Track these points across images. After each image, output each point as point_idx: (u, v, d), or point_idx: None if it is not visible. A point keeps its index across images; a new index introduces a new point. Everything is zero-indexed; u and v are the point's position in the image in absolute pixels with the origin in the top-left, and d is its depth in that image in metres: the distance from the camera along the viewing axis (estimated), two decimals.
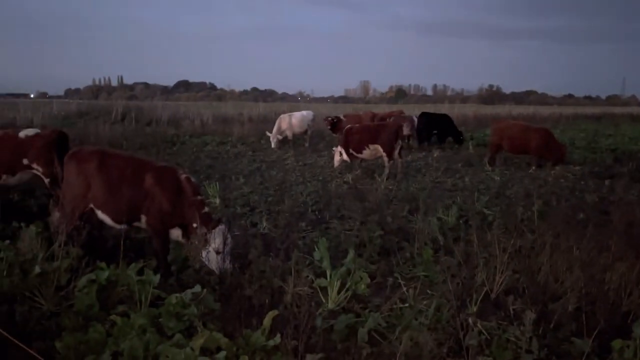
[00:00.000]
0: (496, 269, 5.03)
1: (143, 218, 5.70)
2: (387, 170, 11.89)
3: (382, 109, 29.72)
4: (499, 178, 12.04)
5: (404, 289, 4.91)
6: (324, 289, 4.92)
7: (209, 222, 5.50)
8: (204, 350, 3.30)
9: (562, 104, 79.48)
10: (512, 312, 4.46)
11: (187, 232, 5.63)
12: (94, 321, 3.87)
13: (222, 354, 3.15)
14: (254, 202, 9.34)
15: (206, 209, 5.67)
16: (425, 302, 4.57)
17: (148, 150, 16.08)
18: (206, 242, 5.37)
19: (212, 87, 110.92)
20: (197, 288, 4.29)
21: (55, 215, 5.87)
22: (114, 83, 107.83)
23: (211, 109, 32.97)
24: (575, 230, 6.15)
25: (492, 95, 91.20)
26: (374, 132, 12.33)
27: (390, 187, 10.40)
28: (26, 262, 4.63)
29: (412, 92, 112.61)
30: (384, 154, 12.04)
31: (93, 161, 5.83)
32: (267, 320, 3.63)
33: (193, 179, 5.89)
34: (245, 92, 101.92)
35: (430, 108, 30.47)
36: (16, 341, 3.03)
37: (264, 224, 7.65)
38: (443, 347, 3.82)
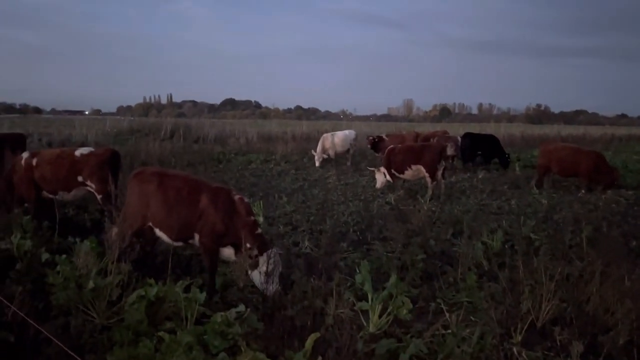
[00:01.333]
0: (542, 297, 4.90)
1: (196, 236, 5.88)
2: (430, 192, 11.79)
3: (426, 128, 29.52)
4: (546, 201, 11.69)
5: (447, 315, 4.85)
6: (365, 312, 4.92)
7: (261, 243, 5.64)
8: None
9: (614, 124, 76.58)
10: (558, 343, 4.34)
11: (239, 251, 5.73)
12: (142, 336, 4.02)
13: None
14: (297, 221, 9.44)
15: (259, 230, 5.81)
16: (468, 330, 4.50)
17: (196, 167, 16.54)
18: (257, 264, 5.47)
19: (257, 105, 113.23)
20: (241, 307, 4.39)
21: (113, 231, 6.15)
22: (164, 101, 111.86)
23: (256, 127, 33.64)
24: (627, 258, 5.93)
25: (539, 115, 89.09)
26: (417, 152, 12.28)
27: (434, 209, 10.29)
28: (81, 277, 4.87)
29: (456, 110, 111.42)
30: (426, 175, 11.96)
31: (153, 181, 6.12)
32: (309, 343, 3.68)
33: (246, 200, 6.06)
34: (289, 110, 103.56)
35: (475, 128, 30.07)
36: (72, 353, 3.19)
37: (306, 243, 7.73)
38: None
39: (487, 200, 11.98)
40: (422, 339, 4.35)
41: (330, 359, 3.65)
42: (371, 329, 4.69)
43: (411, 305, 4.76)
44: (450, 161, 17.11)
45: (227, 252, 5.86)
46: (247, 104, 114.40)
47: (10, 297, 4.50)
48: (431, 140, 17.69)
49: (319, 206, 10.87)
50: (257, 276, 5.48)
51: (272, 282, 5.39)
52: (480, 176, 15.55)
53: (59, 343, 3.28)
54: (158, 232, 6.11)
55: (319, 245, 7.64)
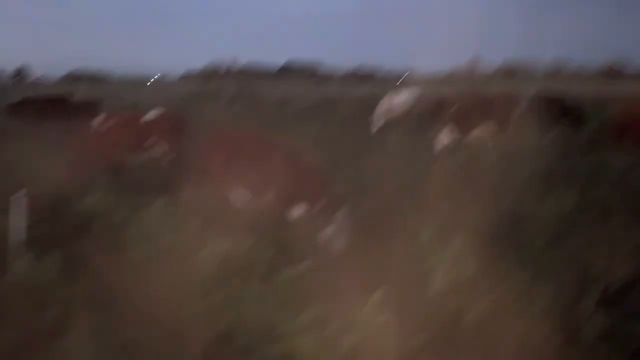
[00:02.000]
0: (621, 258, 4.68)
1: (267, 195, 5.99)
2: (502, 149, 11.35)
3: (494, 88, 28.17)
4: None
5: (515, 275, 4.74)
6: (430, 270, 4.88)
7: (330, 202, 5.70)
8: (315, 321, 3.46)
9: None
10: (632, 307, 4.15)
11: (311, 210, 5.79)
12: (215, 289, 4.18)
13: (334, 325, 3.28)
14: None
15: (328, 190, 5.92)
16: (541, 288, 4.38)
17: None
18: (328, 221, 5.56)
19: (317, 67, 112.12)
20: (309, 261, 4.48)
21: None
22: (227, 66, 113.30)
23: (316, 90, 33.46)
24: None
25: None
26: (485, 110, 11.79)
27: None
28: (157, 232, 5.15)
29: (527, 70, 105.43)
30: (498, 133, 11.49)
31: (225, 142, 6.36)
32: (375, 297, 3.70)
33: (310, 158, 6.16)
34: (349, 71, 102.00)
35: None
36: (155, 305, 3.36)
37: None
38: (558, 335, 3.67)
39: None
40: (489, 297, 4.27)
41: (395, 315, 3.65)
42: (436, 287, 4.66)
43: (478, 264, 4.68)
44: (522, 120, 16.32)
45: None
46: (307, 67, 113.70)
47: None
48: (501, 100, 16.91)
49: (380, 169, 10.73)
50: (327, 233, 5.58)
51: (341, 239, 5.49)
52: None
53: (140, 294, 3.46)
54: (232, 190, 6.27)
55: None
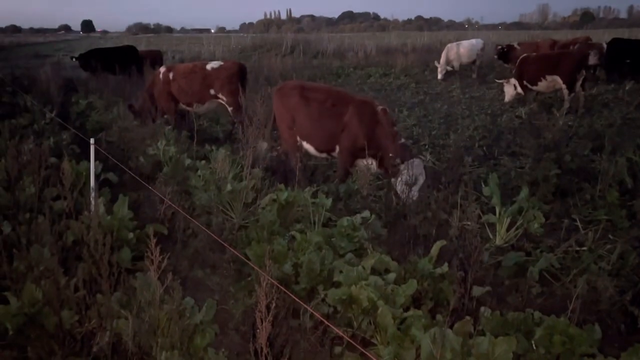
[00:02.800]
0: None
1: (337, 148, 6.09)
2: (566, 104, 10.78)
3: (564, 36, 26.49)
4: None
5: (582, 231, 4.57)
6: (491, 226, 4.81)
7: (404, 153, 5.67)
8: (373, 270, 3.51)
9: None
10: None
11: (382, 162, 5.85)
12: (276, 235, 4.33)
13: (392, 275, 3.32)
14: (418, 134, 9.26)
15: (402, 140, 5.86)
16: (607, 247, 4.21)
17: (315, 82, 16.69)
18: (398, 172, 5.55)
19: (376, 17, 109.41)
20: (366, 213, 4.51)
21: (262, 145, 6.56)
22: (283, 16, 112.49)
23: (374, 39, 32.67)
24: None
25: None
26: (554, 61, 11.14)
27: (570, 123, 9.45)
28: (219, 180, 5.30)
29: (601, 15, 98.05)
30: (564, 86, 10.89)
31: (295, 94, 6.30)
32: (434, 249, 3.70)
33: (389, 110, 6.08)
34: (409, 21, 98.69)
35: (623, 34, 26.35)
36: (222, 242, 3.52)
37: (428, 157, 7.59)
38: (625, 295, 3.54)
39: (635, 113, 10.68)
40: (553, 254, 4.18)
41: (456, 267, 3.65)
42: (498, 241, 4.60)
43: (543, 220, 4.55)
44: (592, 71, 15.34)
45: (366, 162, 5.94)
46: (365, 16, 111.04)
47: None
48: (571, 48, 15.90)
49: (441, 120, 10.52)
50: (398, 184, 5.53)
51: (413, 191, 5.41)
52: (627, 87, 13.82)
53: (211, 233, 3.64)
54: (305, 144, 6.38)
55: (441, 159, 7.48)
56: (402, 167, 5.51)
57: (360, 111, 5.91)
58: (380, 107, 5.96)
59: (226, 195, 4.99)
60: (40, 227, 3.70)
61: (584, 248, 4.24)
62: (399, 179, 5.50)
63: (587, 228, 4.72)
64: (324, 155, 6.34)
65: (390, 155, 5.67)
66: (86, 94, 12.27)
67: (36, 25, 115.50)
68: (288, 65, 19.76)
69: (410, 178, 5.36)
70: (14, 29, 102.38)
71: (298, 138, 6.39)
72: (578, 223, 4.94)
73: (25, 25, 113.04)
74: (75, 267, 3.31)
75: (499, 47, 18.07)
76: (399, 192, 5.51)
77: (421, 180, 5.48)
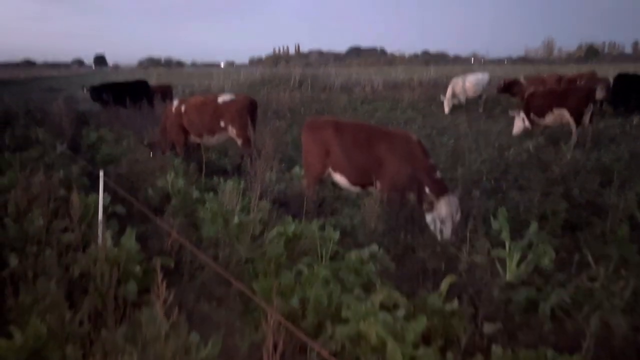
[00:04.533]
0: None
1: (378, 183, 6.00)
2: (574, 138, 10.79)
3: (570, 70, 26.75)
4: None
5: (594, 267, 4.49)
6: (501, 260, 4.74)
7: (440, 188, 5.57)
8: (382, 306, 3.46)
9: None
10: None
11: (419, 196, 5.73)
12: (283, 269, 4.30)
13: (401, 311, 3.26)
14: None
15: (438, 174, 5.75)
16: (619, 284, 4.13)
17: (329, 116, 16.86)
18: (433, 208, 5.45)
19: (383, 52, 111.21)
20: (374, 247, 4.47)
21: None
22: (292, 52, 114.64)
23: (381, 74, 33.14)
24: None
25: None
26: (561, 95, 11.22)
27: (578, 157, 9.42)
28: (227, 213, 5.30)
29: (606, 50, 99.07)
30: (571, 120, 10.93)
31: (329, 128, 6.35)
32: (444, 285, 3.65)
33: (423, 143, 6.03)
34: (415, 55, 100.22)
35: (629, 69, 26.55)
36: (227, 276, 3.50)
37: None
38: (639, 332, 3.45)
39: None
40: (565, 289, 4.10)
41: (466, 303, 3.59)
42: (508, 277, 4.53)
43: (554, 254, 4.48)
44: (599, 105, 15.41)
45: (411, 197, 5.82)
46: (372, 51, 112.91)
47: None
48: (577, 82, 16.03)
49: (448, 154, 10.53)
50: (431, 220, 5.46)
51: (447, 228, 5.32)
52: (634, 122, 13.84)
53: (216, 267, 3.61)
54: (338, 177, 6.37)
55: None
56: (437, 203, 5.41)
57: (395, 143, 5.85)
58: (415, 139, 5.90)
59: (233, 228, 4.98)
60: (47, 260, 3.70)
61: (596, 284, 4.16)
62: (433, 215, 5.41)
63: (599, 263, 4.64)
64: (357, 188, 6.31)
65: (427, 189, 5.57)
66: (97, 126, 12.46)
67: (50, 60, 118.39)
68: (296, 100, 20.00)
69: (444, 216, 5.28)
70: (29, 63, 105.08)
71: (330, 170, 6.40)
72: (589, 258, 4.86)
73: (39, 59, 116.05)
74: (81, 301, 3.30)
75: (501, 81, 18.24)
76: (431, 228, 5.44)
77: (457, 218, 5.36)
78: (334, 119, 6.64)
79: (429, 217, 5.48)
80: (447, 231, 5.30)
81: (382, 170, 5.87)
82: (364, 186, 6.17)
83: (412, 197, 5.77)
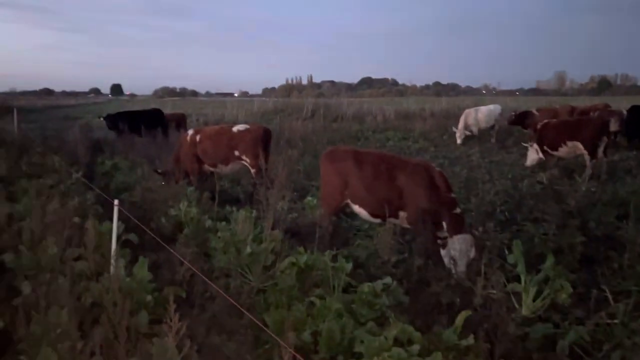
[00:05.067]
0: None
1: (402, 215, 5.87)
2: (589, 170, 10.69)
3: (582, 102, 26.72)
4: None
5: (612, 303, 4.38)
6: (517, 295, 4.65)
7: (457, 224, 5.42)
8: (395, 341, 3.39)
9: None
10: None
11: (435, 229, 5.57)
12: (294, 300, 4.25)
13: (416, 347, 3.20)
14: None
15: (458, 210, 5.59)
16: None
17: (335, 145, 16.92)
18: (446, 244, 5.37)
19: (394, 82, 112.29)
20: (388, 279, 4.42)
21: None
22: (304, 82, 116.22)
23: (393, 104, 33.39)
24: None
25: None
26: (574, 127, 11.18)
27: (593, 190, 9.32)
28: (239, 242, 5.29)
29: (618, 82, 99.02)
30: (585, 152, 10.85)
31: (349, 159, 6.25)
32: (459, 320, 3.58)
33: (445, 175, 5.92)
34: (426, 86, 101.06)
35: None
36: (241, 308, 3.46)
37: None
38: None
39: None
40: (583, 326, 4.00)
41: (482, 339, 3.51)
42: (524, 312, 4.43)
43: (571, 290, 4.39)
44: (613, 137, 15.31)
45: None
46: (383, 82, 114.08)
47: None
48: (590, 114, 15.98)
49: (461, 184, 10.47)
50: (445, 256, 5.37)
51: (459, 266, 5.20)
52: None
53: (229, 298, 3.59)
54: (357, 208, 6.24)
55: None
56: (450, 240, 5.30)
57: (417, 174, 5.72)
58: (437, 170, 5.79)
59: (245, 257, 4.96)
60: (60, 288, 3.70)
61: (616, 321, 4.05)
62: (447, 251, 5.32)
63: (618, 299, 4.53)
64: (378, 220, 6.11)
65: (444, 224, 5.45)
66: (112, 154, 12.63)
67: (68, 89, 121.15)
68: (309, 129, 20.15)
69: (455, 254, 5.18)
70: (47, 92, 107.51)
71: (349, 202, 6.27)
72: (608, 294, 4.75)
73: (57, 88, 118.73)
74: (93, 330, 3.27)
75: (512, 114, 18.20)
76: (445, 262, 5.35)
77: (470, 256, 5.22)
78: (354, 149, 6.49)
79: (443, 252, 5.39)
80: (460, 269, 5.19)
81: (404, 202, 5.73)
82: (384, 218, 5.98)
83: (430, 228, 5.68)
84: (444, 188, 5.61)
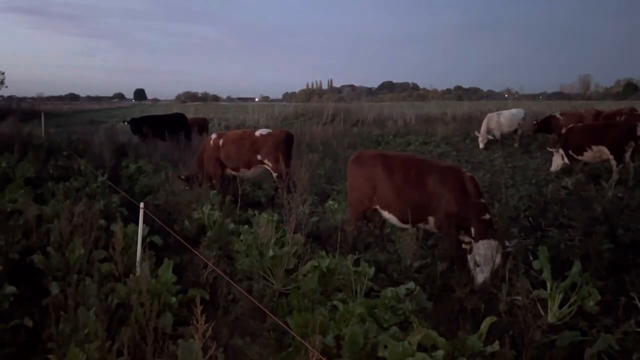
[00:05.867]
0: None
1: (431, 220, 5.77)
2: (615, 176, 10.48)
3: (607, 106, 26.20)
4: None
5: None
6: (542, 301, 4.57)
7: (485, 230, 5.32)
8: (419, 346, 3.37)
9: None
10: None
11: (468, 234, 5.50)
12: (317, 304, 4.25)
13: (440, 353, 3.17)
14: None
15: (487, 216, 5.47)
16: None
17: (356, 149, 16.90)
18: (471, 250, 5.30)
19: (415, 87, 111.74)
20: (411, 284, 4.39)
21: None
22: (325, 86, 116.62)
23: (414, 108, 33.17)
24: None
25: None
26: (600, 131, 10.97)
27: (620, 195, 9.13)
28: (262, 245, 5.32)
29: None
30: (611, 157, 10.64)
31: (378, 164, 6.14)
32: (484, 326, 3.54)
33: (477, 179, 5.81)
34: (448, 90, 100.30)
35: None
36: (265, 310, 3.48)
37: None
38: None
39: None
40: (611, 334, 3.91)
41: (507, 345, 3.46)
42: (550, 319, 4.35)
43: (599, 297, 4.30)
44: None
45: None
46: (404, 86, 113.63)
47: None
48: (617, 118, 15.66)
49: (484, 189, 10.36)
50: (470, 260, 5.30)
51: (482, 273, 5.13)
52: None
53: (254, 300, 3.60)
54: (386, 214, 6.13)
55: None
56: (475, 245, 5.23)
57: (446, 178, 5.62)
58: (468, 175, 5.67)
59: (268, 260, 4.98)
60: (87, 289, 3.77)
61: None
62: (472, 256, 5.24)
63: None
64: (408, 226, 5.92)
65: (472, 229, 5.36)
66: (136, 158, 12.83)
67: (93, 94, 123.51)
68: (329, 133, 20.17)
69: (483, 259, 5.11)
70: (73, 97, 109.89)
71: (378, 207, 6.16)
72: (637, 301, 4.63)
73: (83, 93, 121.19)
74: (119, 331, 3.32)
75: (535, 122, 17.85)
76: (470, 270, 5.28)
77: (495, 262, 5.13)
78: (382, 153, 6.35)
79: (469, 257, 5.33)
80: (484, 275, 5.12)
81: (434, 207, 5.63)
82: (414, 223, 5.86)
83: (457, 233, 5.60)
84: (474, 193, 5.51)
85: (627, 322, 4.13)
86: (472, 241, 5.30)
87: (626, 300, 4.84)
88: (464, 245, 5.43)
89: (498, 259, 5.15)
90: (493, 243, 5.20)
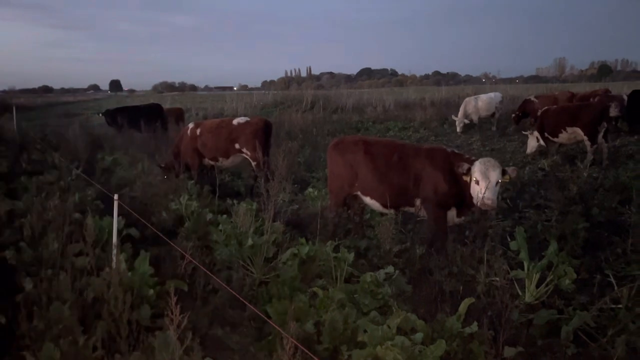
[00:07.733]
0: None
1: (417, 202, 5.74)
2: (590, 156, 10.64)
3: (582, 88, 26.61)
4: None
5: (616, 288, 4.37)
6: (520, 281, 4.64)
7: (470, 161, 5.38)
8: (399, 330, 3.38)
9: None
10: None
11: (461, 211, 5.55)
12: (297, 291, 4.24)
13: (419, 335, 3.18)
14: None
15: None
16: None
17: (336, 136, 16.87)
18: (468, 171, 5.29)
19: (394, 73, 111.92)
20: (390, 268, 4.40)
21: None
22: (304, 74, 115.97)
23: (392, 94, 33.24)
24: None
25: None
26: (574, 113, 11.10)
27: (595, 175, 9.29)
28: (240, 235, 5.27)
29: (619, 68, 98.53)
30: (585, 138, 10.80)
31: (358, 150, 6.07)
32: (462, 307, 3.57)
33: (459, 152, 5.81)
34: (426, 76, 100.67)
35: None
36: (244, 300, 3.45)
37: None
38: None
39: None
40: (587, 312, 3.99)
41: (486, 326, 3.49)
42: (527, 298, 4.42)
43: (575, 275, 4.37)
44: (614, 123, 15.24)
45: (450, 214, 5.65)
46: (383, 73, 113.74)
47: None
48: (590, 100, 15.88)
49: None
50: (475, 190, 5.26)
51: (489, 191, 5.12)
52: None
53: (231, 291, 3.57)
54: (368, 200, 6.09)
55: None
56: (472, 167, 5.24)
57: (432, 158, 5.62)
58: (450, 150, 5.69)
59: (247, 250, 4.94)
60: (61, 284, 3.69)
61: (620, 306, 4.04)
62: (474, 182, 5.24)
63: (622, 284, 4.52)
64: (390, 211, 5.92)
65: (471, 196, 5.36)
66: (112, 150, 12.60)
67: (67, 86, 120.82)
68: (308, 120, 20.08)
69: (480, 174, 5.13)
70: (46, 89, 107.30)
71: (359, 193, 6.14)
72: (611, 279, 4.74)
73: (56, 85, 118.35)
74: (95, 325, 3.26)
75: (514, 115, 17.88)
76: (474, 197, 5.28)
77: (492, 179, 5.14)
78: (362, 138, 6.29)
79: (472, 189, 5.31)
80: (489, 194, 5.10)
81: (421, 188, 5.62)
82: (398, 208, 5.89)
83: (453, 213, 5.63)
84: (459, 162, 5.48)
85: (602, 299, 4.22)
86: (467, 165, 5.31)
87: (601, 278, 4.94)
88: (460, 170, 5.36)
89: (496, 175, 5.16)
90: (487, 159, 5.28)
